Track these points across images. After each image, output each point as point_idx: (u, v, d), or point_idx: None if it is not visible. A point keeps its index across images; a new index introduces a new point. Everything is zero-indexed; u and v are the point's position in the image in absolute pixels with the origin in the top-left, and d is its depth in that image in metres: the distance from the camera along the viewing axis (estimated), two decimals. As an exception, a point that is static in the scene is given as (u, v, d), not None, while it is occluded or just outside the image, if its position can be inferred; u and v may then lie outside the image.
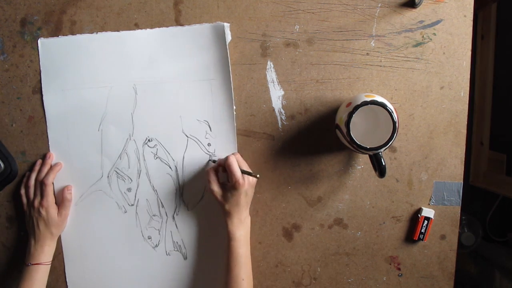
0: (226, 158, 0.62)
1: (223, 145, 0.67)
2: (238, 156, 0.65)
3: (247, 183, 0.61)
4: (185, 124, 0.67)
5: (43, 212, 0.65)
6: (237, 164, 0.61)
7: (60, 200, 0.68)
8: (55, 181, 0.68)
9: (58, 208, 0.67)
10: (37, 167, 0.68)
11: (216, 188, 0.63)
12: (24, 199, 0.68)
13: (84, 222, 0.70)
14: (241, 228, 0.63)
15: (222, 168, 0.64)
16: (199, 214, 0.69)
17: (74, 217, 0.70)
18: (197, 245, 0.69)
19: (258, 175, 0.60)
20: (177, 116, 0.67)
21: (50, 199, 0.66)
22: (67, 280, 0.71)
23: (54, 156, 0.69)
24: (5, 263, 0.72)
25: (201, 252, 0.69)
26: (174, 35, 0.65)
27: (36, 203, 0.66)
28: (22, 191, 0.68)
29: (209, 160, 0.67)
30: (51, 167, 0.68)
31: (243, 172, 0.61)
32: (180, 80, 0.66)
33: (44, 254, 0.65)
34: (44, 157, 0.69)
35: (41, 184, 0.66)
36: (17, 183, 0.70)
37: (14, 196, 0.70)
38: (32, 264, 0.64)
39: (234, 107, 0.66)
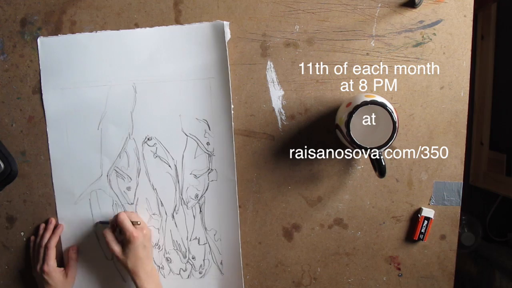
0: (117, 216, 0.64)
1: (221, 144, 0.67)
2: (129, 212, 0.67)
3: (142, 236, 0.63)
4: (185, 123, 0.67)
5: (45, 277, 0.66)
6: (128, 219, 0.64)
7: (66, 260, 0.70)
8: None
9: (65, 268, 0.69)
10: (41, 232, 0.70)
11: (116, 247, 0.64)
12: (32, 263, 0.70)
13: (83, 221, 0.70)
14: (150, 281, 0.63)
15: (118, 228, 0.66)
16: (198, 213, 0.69)
17: (74, 216, 0.70)
18: (196, 244, 0.69)
19: (139, 222, 0.65)
20: (177, 115, 0.67)
21: (51, 263, 0.67)
22: (67, 280, 0.71)
23: (55, 221, 0.70)
24: (5, 263, 0.72)
25: (200, 250, 0.69)
26: (173, 34, 0.65)
27: (38, 268, 0.67)
28: (31, 255, 0.70)
29: (97, 222, 0.69)
30: (53, 231, 0.69)
31: (133, 223, 0.64)
32: (179, 78, 0.66)
33: None
34: (46, 222, 0.70)
35: (44, 248, 0.67)
36: (17, 183, 0.70)
37: (14, 196, 0.70)
38: None
39: (232, 106, 0.66)
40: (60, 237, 0.70)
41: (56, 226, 0.70)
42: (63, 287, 0.67)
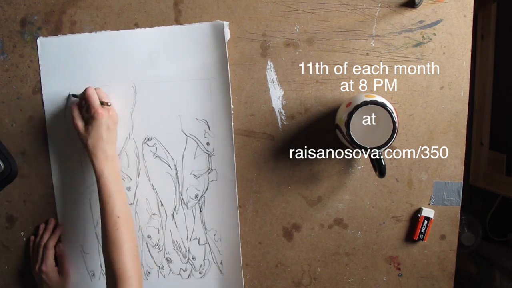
0: (85, 90, 0.61)
1: (221, 144, 0.67)
2: (99, 89, 0.64)
3: (107, 115, 0.61)
4: (184, 123, 0.67)
5: (43, 276, 0.67)
6: (97, 95, 0.61)
7: (60, 260, 0.70)
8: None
9: (58, 266, 0.69)
10: (41, 232, 0.70)
11: (79, 123, 0.62)
12: (32, 263, 0.70)
13: (83, 221, 0.70)
14: (109, 165, 0.61)
15: (86, 106, 0.63)
16: (198, 213, 0.69)
17: (74, 216, 0.70)
18: (196, 244, 0.69)
19: (109, 103, 0.62)
20: (176, 115, 0.67)
21: (49, 262, 0.67)
22: (67, 280, 0.71)
23: (55, 221, 0.70)
24: (5, 263, 0.72)
25: (200, 251, 0.69)
26: (173, 34, 0.65)
27: (37, 268, 0.67)
28: (31, 254, 0.71)
29: (70, 94, 0.67)
30: (53, 231, 0.69)
31: (102, 103, 0.62)
32: (179, 79, 0.66)
33: None
34: (46, 222, 0.70)
35: (43, 248, 0.67)
36: (17, 183, 0.70)
37: (14, 196, 0.70)
38: None
39: (232, 106, 0.66)
40: (60, 237, 0.70)
41: (56, 226, 0.70)
42: (59, 285, 0.67)
